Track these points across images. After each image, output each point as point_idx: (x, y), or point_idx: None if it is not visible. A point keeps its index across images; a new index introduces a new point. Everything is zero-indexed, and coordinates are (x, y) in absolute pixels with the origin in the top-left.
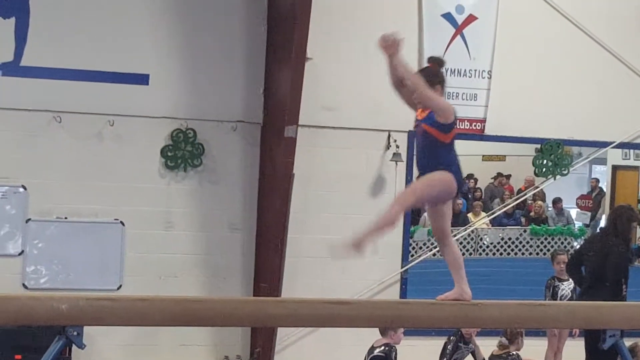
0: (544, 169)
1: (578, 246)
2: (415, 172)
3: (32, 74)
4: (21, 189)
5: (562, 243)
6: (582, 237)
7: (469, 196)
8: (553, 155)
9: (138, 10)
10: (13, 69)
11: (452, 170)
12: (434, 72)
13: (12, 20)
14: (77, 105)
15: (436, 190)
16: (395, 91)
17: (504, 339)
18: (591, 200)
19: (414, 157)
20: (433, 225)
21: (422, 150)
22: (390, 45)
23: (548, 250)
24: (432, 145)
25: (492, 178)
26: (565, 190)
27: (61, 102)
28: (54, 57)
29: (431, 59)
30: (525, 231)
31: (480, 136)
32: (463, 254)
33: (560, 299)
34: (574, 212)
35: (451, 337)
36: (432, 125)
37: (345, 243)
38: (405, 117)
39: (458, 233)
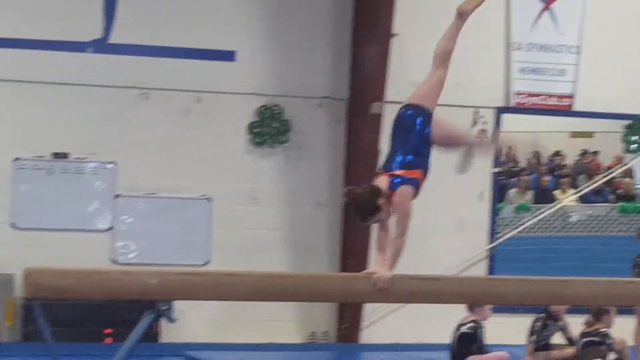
0: (632, 146)
1: None
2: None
3: (120, 51)
4: (110, 165)
5: None
6: None
7: (555, 173)
8: None
9: None
10: (102, 46)
11: None
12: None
13: None
14: (165, 81)
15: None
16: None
17: (590, 317)
18: None
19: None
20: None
21: None
22: None
23: (638, 227)
24: None
25: (578, 155)
26: None
27: (149, 78)
28: (142, 34)
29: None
30: (614, 209)
31: (567, 112)
32: (550, 231)
33: None
34: None
35: (540, 315)
36: None
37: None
38: (493, 94)
39: (545, 210)
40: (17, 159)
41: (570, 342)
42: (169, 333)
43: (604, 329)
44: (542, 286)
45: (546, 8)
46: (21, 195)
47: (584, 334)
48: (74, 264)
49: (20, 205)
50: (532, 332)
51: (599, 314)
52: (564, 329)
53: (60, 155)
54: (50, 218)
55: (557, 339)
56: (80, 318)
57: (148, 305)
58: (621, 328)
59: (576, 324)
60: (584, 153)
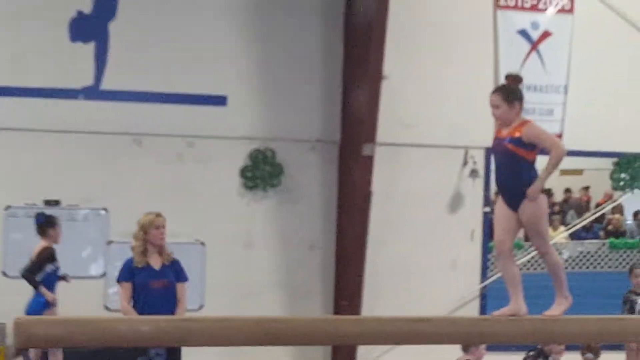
0: (621, 183)
1: None
2: (493, 187)
3: (112, 98)
4: (103, 212)
5: None
6: None
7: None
8: (630, 168)
9: (216, 33)
10: (93, 92)
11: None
12: (511, 89)
13: (92, 44)
14: (157, 127)
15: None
16: None
17: (589, 355)
18: None
19: (492, 174)
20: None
21: (503, 168)
22: None
23: (627, 263)
24: (515, 163)
25: (564, 193)
26: None
27: (141, 124)
28: (133, 80)
29: (509, 76)
30: (604, 245)
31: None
32: (542, 269)
33: (638, 314)
34: None
35: (530, 352)
36: (518, 145)
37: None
38: (482, 133)
39: None
40: (8, 207)
41: None
42: None
43: None
44: (533, 325)
45: (533, 49)
46: (12, 243)
47: None
48: (67, 310)
49: (12, 253)
50: None
51: (597, 351)
52: None
53: (52, 203)
54: None
55: None
56: None
57: (142, 352)
58: None
59: None
60: (568, 191)
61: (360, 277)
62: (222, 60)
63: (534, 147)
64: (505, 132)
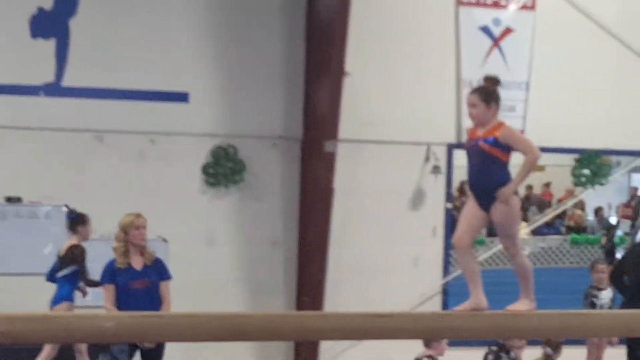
0: (582, 179)
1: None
2: (455, 184)
3: (73, 94)
4: (64, 209)
5: (602, 252)
6: (623, 246)
7: None
8: (592, 165)
9: (177, 30)
10: (54, 89)
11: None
12: (490, 90)
13: (53, 41)
14: (119, 124)
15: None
16: None
17: (548, 349)
18: (631, 208)
19: (454, 170)
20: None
21: (476, 168)
22: None
23: (589, 259)
24: (489, 163)
25: (525, 190)
26: (605, 198)
27: (102, 121)
28: (95, 77)
29: (487, 78)
30: (565, 240)
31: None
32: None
33: (600, 308)
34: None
35: (492, 347)
36: (494, 146)
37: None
38: (444, 130)
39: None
40: None
41: None
42: None
43: None
44: (495, 320)
45: (495, 45)
46: None
47: None
48: (30, 308)
49: None
50: None
51: (557, 346)
52: None
53: (13, 200)
54: (3, 262)
55: None
56: None
57: (104, 348)
58: (569, 358)
59: (529, 355)
60: (529, 187)
61: (323, 274)
62: (184, 56)
63: (509, 149)
64: (480, 133)
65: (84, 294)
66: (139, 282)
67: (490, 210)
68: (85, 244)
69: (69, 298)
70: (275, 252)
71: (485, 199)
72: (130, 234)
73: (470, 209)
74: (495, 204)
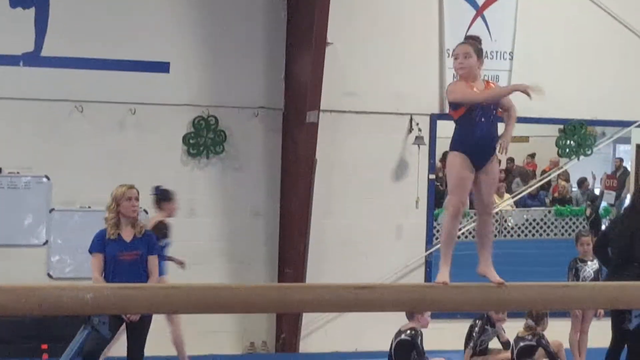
0: (567, 150)
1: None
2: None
3: (52, 64)
4: (44, 179)
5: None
6: (608, 217)
7: None
8: (576, 135)
9: None
10: (34, 59)
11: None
12: (479, 45)
13: (32, 10)
14: (99, 94)
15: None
16: None
17: (530, 321)
18: (616, 179)
19: (437, 140)
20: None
21: (484, 124)
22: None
23: (573, 230)
24: (493, 118)
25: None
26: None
27: (82, 91)
28: (74, 47)
29: (469, 37)
30: (549, 212)
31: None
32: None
33: (583, 280)
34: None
35: (477, 320)
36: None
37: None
38: (427, 100)
39: None
40: None
41: (506, 346)
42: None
43: (540, 331)
44: (478, 292)
45: (479, 15)
46: None
47: (519, 338)
48: (10, 279)
49: None
50: (470, 338)
51: (539, 318)
52: (498, 335)
53: None
54: None
55: (495, 343)
56: (17, 334)
57: (85, 320)
58: (554, 330)
59: (512, 328)
60: (511, 161)
61: (305, 245)
62: (165, 26)
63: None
64: (479, 88)
65: (181, 265)
66: (128, 253)
67: (485, 166)
68: (67, 214)
69: (162, 272)
70: (257, 223)
71: (485, 156)
72: (121, 205)
73: (464, 172)
74: (492, 159)
